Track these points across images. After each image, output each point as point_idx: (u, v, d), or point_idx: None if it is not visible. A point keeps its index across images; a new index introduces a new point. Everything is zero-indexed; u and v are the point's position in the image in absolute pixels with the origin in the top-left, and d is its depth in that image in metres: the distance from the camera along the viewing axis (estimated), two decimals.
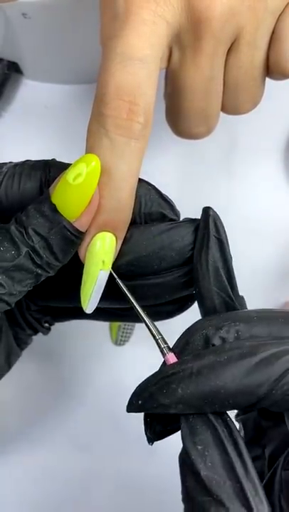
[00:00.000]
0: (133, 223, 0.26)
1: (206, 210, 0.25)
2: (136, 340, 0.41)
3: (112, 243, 0.25)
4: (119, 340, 0.40)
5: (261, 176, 0.40)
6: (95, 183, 0.23)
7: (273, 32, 0.27)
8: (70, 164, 0.24)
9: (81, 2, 0.33)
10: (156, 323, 0.26)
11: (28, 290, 0.25)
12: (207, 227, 0.25)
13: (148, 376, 0.23)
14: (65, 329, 0.40)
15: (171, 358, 0.23)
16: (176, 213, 0.26)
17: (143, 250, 0.25)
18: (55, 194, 0.24)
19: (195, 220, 0.26)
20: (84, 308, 0.26)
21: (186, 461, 0.22)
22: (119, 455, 0.41)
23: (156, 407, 0.22)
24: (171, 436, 0.41)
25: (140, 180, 0.26)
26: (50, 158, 0.27)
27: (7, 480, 0.41)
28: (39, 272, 0.24)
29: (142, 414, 0.41)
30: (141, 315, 0.25)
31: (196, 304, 0.27)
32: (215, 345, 0.22)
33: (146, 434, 0.25)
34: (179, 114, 0.29)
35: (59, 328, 0.40)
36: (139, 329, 0.41)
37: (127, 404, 0.25)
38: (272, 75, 0.29)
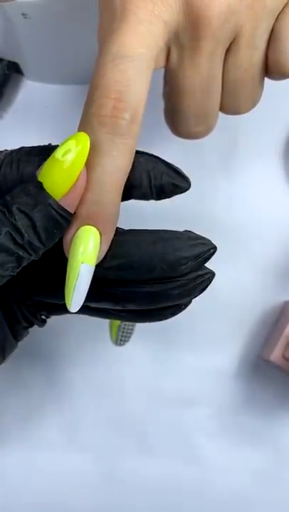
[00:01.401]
0: (145, 197, 0.26)
1: None
2: (136, 340, 0.41)
3: (95, 237, 0.24)
4: (119, 340, 0.40)
5: (261, 175, 0.40)
6: (83, 161, 0.23)
7: (272, 31, 0.27)
8: None
9: (81, 2, 0.33)
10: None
11: (10, 275, 0.24)
12: None
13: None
14: (65, 329, 0.40)
15: None
16: (187, 180, 0.26)
17: (134, 256, 0.25)
18: (42, 172, 0.24)
19: (195, 236, 0.26)
20: (67, 306, 0.25)
21: None
22: (118, 455, 0.41)
23: None
24: (171, 436, 0.41)
25: (145, 154, 0.26)
26: (43, 145, 0.27)
27: (6, 480, 0.41)
28: (20, 253, 0.23)
29: (142, 414, 0.41)
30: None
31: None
32: None
33: None
34: (177, 114, 0.29)
35: (59, 328, 0.40)
36: (139, 329, 0.41)
37: None
38: (271, 74, 0.29)
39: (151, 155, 0.26)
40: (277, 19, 0.27)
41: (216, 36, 0.25)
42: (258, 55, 0.27)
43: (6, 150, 0.26)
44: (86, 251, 0.24)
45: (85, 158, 0.23)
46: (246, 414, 0.41)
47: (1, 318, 0.29)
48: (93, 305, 0.27)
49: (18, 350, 0.40)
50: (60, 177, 0.23)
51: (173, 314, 0.28)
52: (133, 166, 0.25)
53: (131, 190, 0.26)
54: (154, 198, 0.26)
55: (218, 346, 0.41)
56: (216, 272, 0.27)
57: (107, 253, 0.25)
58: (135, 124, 0.24)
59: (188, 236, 0.26)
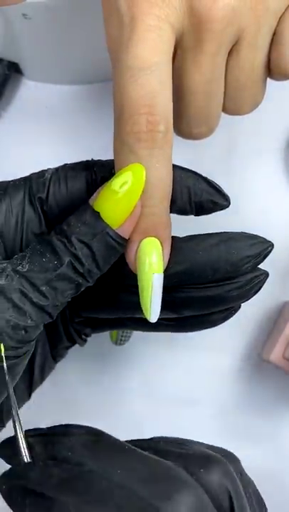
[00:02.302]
0: (184, 213, 0.27)
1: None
2: (136, 340, 0.41)
3: (157, 247, 0.25)
4: (119, 340, 0.40)
5: (261, 175, 0.41)
6: (140, 191, 0.24)
7: (275, 33, 0.27)
8: (113, 161, 0.25)
9: (81, 2, 0.33)
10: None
11: (68, 301, 0.25)
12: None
13: None
14: None
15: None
16: (227, 199, 0.27)
17: (198, 260, 0.26)
18: (98, 202, 0.24)
19: (253, 235, 0.27)
20: (148, 317, 0.26)
21: None
22: None
23: None
24: (171, 436, 0.41)
25: (187, 171, 0.27)
26: (90, 159, 0.27)
27: None
28: (80, 281, 0.24)
29: (142, 414, 0.41)
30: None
31: None
32: None
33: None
34: (180, 115, 0.29)
35: None
36: None
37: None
38: (273, 75, 0.29)
39: (193, 172, 0.27)
40: (279, 21, 0.27)
41: (219, 39, 0.25)
42: (260, 57, 0.27)
43: (49, 168, 0.27)
44: (152, 261, 0.25)
45: (142, 187, 0.24)
46: (246, 414, 0.41)
47: (44, 339, 0.31)
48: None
49: None
50: (117, 207, 0.24)
51: (224, 319, 0.29)
52: (174, 181, 0.26)
53: (171, 205, 0.26)
54: (193, 213, 0.27)
55: (218, 346, 0.41)
56: None
57: (168, 261, 0.26)
58: (170, 133, 0.25)
59: (247, 235, 0.27)
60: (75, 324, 0.31)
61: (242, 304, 0.40)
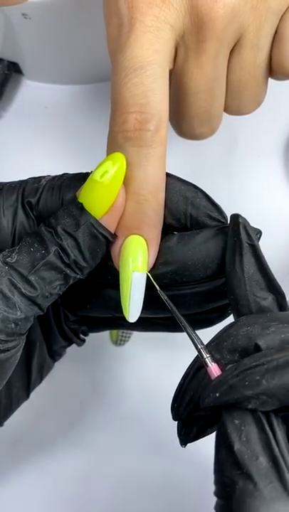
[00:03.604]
0: (179, 224, 0.26)
1: (235, 218, 0.26)
2: (136, 340, 0.41)
3: (142, 245, 0.25)
4: (119, 340, 0.40)
5: (261, 175, 0.41)
6: (120, 180, 0.24)
7: (276, 32, 0.27)
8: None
9: (81, 2, 0.33)
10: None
11: (58, 294, 0.25)
12: (238, 235, 0.25)
13: (226, 371, 0.22)
14: None
15: (215, 369, 0.23)
16: (224, 216, 0.27)
17: (188, 259, 0.26)
18: (82, 194, 0.24)
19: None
20: (126, 317, 0.26)
21: (221, 433, 0.21)
22: (119, 455, 0.41)
23: (237, 398, 0.21)
24: (171, 435, 0.41)
25: (188, 184, 0.26)
26: (86, 171, 0.27)
27: (6, 479, 0.41)
28: (68, 271, 0.24)
29: (141, 414, 0.41)
30: (183, 325, 0.25)
31: None
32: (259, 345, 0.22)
33: (179, 436, 0.26)
34: (182, 115, 0.29)
35: None
36: None
37: (172, 410, 0.25)
38: (274, 75, 0.29)
39: (194, 185, 0.26)
40: (281, 20, 0.27)
41: (221, 38, 0.26)
42: (261, 56, 0.27)
43: (48, 176, 0.27)
44: (136, 260, 0.25)
45: (123, 177, 0.24)
46: None
47: (41, 339, 0.30)
48: (142, 314, 0.27)
49: None
50: (99, 197, 0.24)
51: (221, 318, 0.29)
52: (172, 190, 0.26)
53: (165, 215, 0.26)
54: (187, 226, 0.26)
55: None
56: None
57: (157, 260, 0.26)
58: (161, 132, 0.25)
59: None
60: (70, 323, 0.31)
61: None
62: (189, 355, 0.41)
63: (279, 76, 0.29)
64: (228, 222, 0.26)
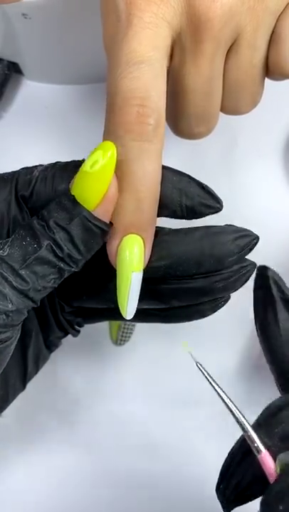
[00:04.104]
0: (175, 216, 0.26)
1: (263, 271, 0.27)
2: (136, 340, 0.41)
3: (139, 245, 0.25)
4: (119, 340, 0.40)
5: (261, 175, 0.40)
6: (112, 169, 0.23)
7: (273, 32, 0.27)
8: None
9: (82, 2, 0.33)
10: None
11: (53, 287, 0.25)
12: (269, 289, 0.25)
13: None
14: None
15: (267, 458, 0.23)
16: (219, 202, 0.27)
17: (182, 255, 0.26)
18: (74, 186, 0.24)
19: (238, 228, 0.27)
20: (123, 315, 0.26)
21: None
22: (118, 455, 0.41)
23: None
24: (171, 436, 0.41)
25: (180, 174, 0.26)
26: (79, 159, 0.27)
27: (5, 479, 0.41)
28: (62, 265, 0.24)
29: (141, 414, 0.41)
30: (233, 411, 0.25)
31: None
32: None
33: (223, 505, 0.25)
34: (179, 114, 0.29)
35: None
36: (139, 329, 0.41)
37: (217, 491, 0.25)
38: (271, 75, 0.29)
39: (186, 175, 0.26)
40: (278, 20, 0.27)
41: (218, 38, 0.26)
42: (258, 56, 0.27)
43: (40, 165, 0.27)
44: (133, 259, 0.25)
45: (114, 166, 0.23)
46: (246, 414, 0.41)
47: (37, 329, 0.30)
48: (138, 306, 0.27)
49: None
50: (91, 188, 0.23)
51: (214, 310, 0.29)
52: (166, 183, 0.26)
53: (160, 208, 0.26)
54: (185, 216, 0.27)
55: (218, 346, 0.41)
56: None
57: (152, 254, 0.26)
58: (160, 128, 0.25)
59: (232, 229, 0.27)
60: (66, 314, 0.31)
61: (242, 304, 0.40)
62: (189, 355, 0.41)
63: (276, 76, 0.29)
64: (250, 267, 0.27)
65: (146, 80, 0.24)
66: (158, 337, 0.41)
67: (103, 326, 0.41)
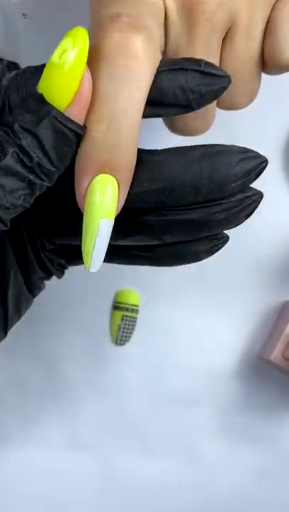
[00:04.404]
0: (184, 112, 0.22)
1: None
2: (136, 340, 0.41)
3: (113, 187, 0.21)
4: (119, 340, 0.40)
5: (261, 175, 0.40)
6: (84, 60, 0.20)
7: (268, 21, 0.26)
8: None
9: (82, 2, 0.33)
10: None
11: (23, 206, 0.22)
12: None
13: None
14: (65, 328, 0.40)
15: None
16: (225, 74, 0.22)
17: (177, 178, 0.22)
18: (41, 83, 0.20)
19: (244, 149, 0.23)
20: (86, 266, 0.23)
21: None
22: (118, 455, 0.41)
23: None
24: (171, 436, 0.41)
25: (175, 69, 0.22)
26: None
27: (6, 479, 0.41)
28: (31, 178, 0.21)
29: (142, 414, 0.41)
30: None
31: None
32: None
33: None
34: None
35: (59, 327, 0.40)
36: (139, 329, 0.41)
37: None
38: (268, 68, 0.28)
39: (181, 63, 0.22)
40: (273, 8, 0.25)
41: (211, 22, 0.24)
42: (254, 46, 0.26)
43: (9, 73, 0.23)
44: (104, 203, 0.21)
45: (86, 56, 0.20)
46: (246, 414, 0.41)
47: (16, 268, 0.27)
48: (121, 243, 0.24)
49: (17, 350, 0.40)
50: (60, 84, 0.20)
51: (210, 252, 0.25)
52: (162, 85, 0.22)
53: (164, 107, 0.22)
54: (194, 108, 0.22)
55: (218, 346, 0.41)
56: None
57: (144, 177, 0.22)
58: (151, 46, 0.21)
59: (236, 149, 0.23)
60: (47, 253, 0.28)
61: (242, 304, 0.40)
62: (189, 355, 0.41)
63: (272, 69, 0.27)
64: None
65: (144, 11, 0.22)
66: (158, 337, 0.41)
67: (103, 326, 0.41)
